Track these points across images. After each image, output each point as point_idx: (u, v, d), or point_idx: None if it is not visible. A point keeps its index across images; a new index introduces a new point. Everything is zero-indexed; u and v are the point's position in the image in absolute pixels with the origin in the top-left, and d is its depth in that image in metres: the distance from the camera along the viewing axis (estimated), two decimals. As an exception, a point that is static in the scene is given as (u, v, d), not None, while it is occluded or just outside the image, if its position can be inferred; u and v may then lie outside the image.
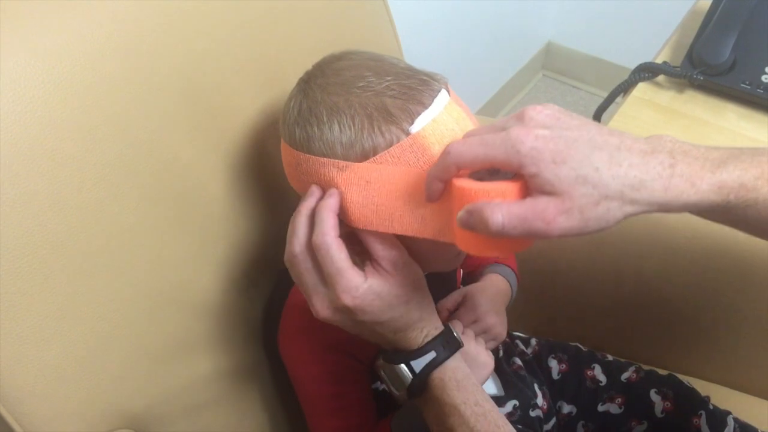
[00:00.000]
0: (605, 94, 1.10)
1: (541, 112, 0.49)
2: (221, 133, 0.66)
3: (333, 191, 0.56)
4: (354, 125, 0.55)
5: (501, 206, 0.46)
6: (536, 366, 0.86)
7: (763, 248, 0.81)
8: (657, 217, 0.85)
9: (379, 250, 0.56)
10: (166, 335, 0.65)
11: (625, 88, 1.07)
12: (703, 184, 0.47)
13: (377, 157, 0.55)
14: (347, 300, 0.54)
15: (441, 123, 0.55)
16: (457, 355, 0.59)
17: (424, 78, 0.57)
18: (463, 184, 0.49)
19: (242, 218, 0.70)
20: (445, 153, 0.50)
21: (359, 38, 0.82)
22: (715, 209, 0.48)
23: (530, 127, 0.47)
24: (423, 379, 0.58)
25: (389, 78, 0.56)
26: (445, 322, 0.61)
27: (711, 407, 0.81)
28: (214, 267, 0.69)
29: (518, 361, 0.84)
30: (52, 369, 0.55)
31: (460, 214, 0.48)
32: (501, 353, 0.83)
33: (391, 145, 0.55)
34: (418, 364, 0.58)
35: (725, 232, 0.81)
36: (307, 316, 0.62)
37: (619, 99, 1.09)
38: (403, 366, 0.58)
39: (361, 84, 0.56)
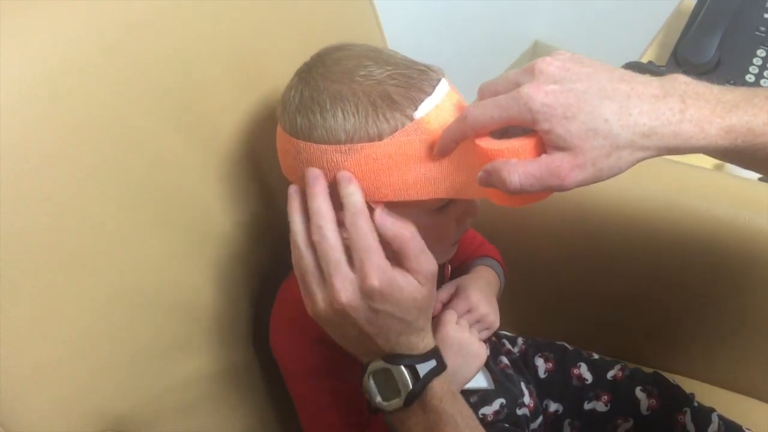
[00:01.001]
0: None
1: (551, 64, 0.49)
2: (208, 132, 0.66)
3: (346, 172, 0.56)
4: (358, 112, 0.56)
5: (517, 167, 0.48)
6: (523, 365, 0.87)
7: (748, 248, 0.82)
8: (643, 218, 0.85)
9: (424, 263, 0.55)
10: (153, 336, 0.65)
11: (611, 88, 1.07)
12: (712, 128, 0.47)
13: (382, 141, 0.56)
14: (374, 279, 0.53)
15: (443, 109, 0.57)
16: (447, 370, 0.59)
17: (422, 68, 0.59)
18: (482, 143, 0.52)
19: (230, 217, 0.70)
20: (462, 117, 0.52)
21: (345, 38, 0.81)
22: (724, 152, 0.49)
23: (540, 82, 0.48)
24: (425, 384, 0.56)
25: (389, 67, 0.57)
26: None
27: (696, 404, 0.81)
28: (202, 266, 0.69)
29: (505, 360, 0.85)
30: (37, 371, 0.55)
31: (480, 174, 0.51)
32: (488, 352, 0.83)
33: (395, 131, 0.55)
34: (423, 368, 0.56)
35: (711, 232, 0.82)
36: (300, 309, 0.63)
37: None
38: (405, 369, 0.56)
39: (362, 73, 0.57)
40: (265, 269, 0.77)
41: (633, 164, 0.49)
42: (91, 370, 0.59)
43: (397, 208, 0.58)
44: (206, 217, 0.68)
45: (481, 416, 0.77)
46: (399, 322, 0.55)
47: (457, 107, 0.59)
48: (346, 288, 0.53)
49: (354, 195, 0.55)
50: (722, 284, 0.85)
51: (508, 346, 0.88)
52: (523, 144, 0.50)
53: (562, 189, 0.48)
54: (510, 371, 0.84)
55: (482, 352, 0.69)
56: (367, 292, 0.53)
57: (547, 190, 0.49)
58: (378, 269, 0.53)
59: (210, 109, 0.66)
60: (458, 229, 0.65)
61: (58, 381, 0.57)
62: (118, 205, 0.58)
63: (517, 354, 0.88)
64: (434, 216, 0.61)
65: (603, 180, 0.49)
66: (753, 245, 0.81)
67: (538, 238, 0.93)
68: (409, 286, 0.54)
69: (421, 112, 0.56)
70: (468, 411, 0.57)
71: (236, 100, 0.68)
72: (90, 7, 0.56)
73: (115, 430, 0.61)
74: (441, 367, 0.57)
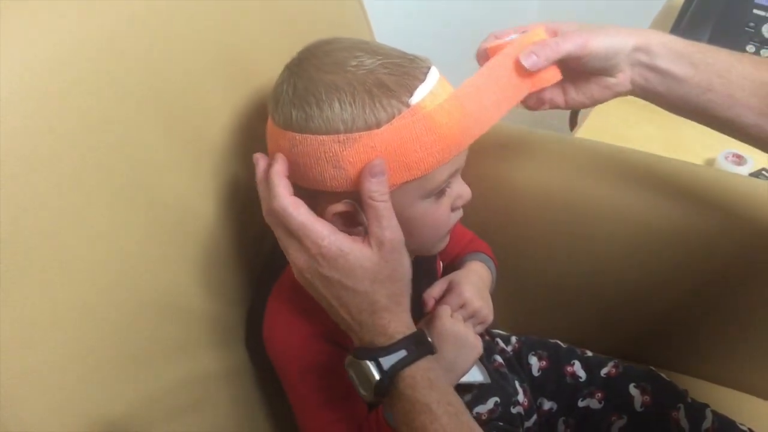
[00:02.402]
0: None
1: None
2: (194, 133, 0.66)
3: (279, 156, 0.58)
4: (355, 101, 0.56)
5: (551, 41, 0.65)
6: (516, 363, 0.87)
7: (740, 243, 0.82)
8: (634, 215, 0.85)
9: (374, 226, 0.57)
10: (144, 339, 0.64)
11: (601, 84, 1.08)
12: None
13: (380, 129, 0.56)
14: (314, 248, 0.56)
15: (437, 95, 0.58)
16: (431, 358, 0.59)
17: (411, 57, 0.60)
18: (501, 43, 0.68)
19: (219, 218, 0.69)
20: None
21: (333, 34, 0.81)
22: (684, 62, 0.65)
23: None
24: (391, 377, 0.57)
25: (380, 57, 0.58)
26: (419, 328, 0.60)
27: (689, 400, 0.81)
28: (191, 269, 0.68)
29: (499, 359, 0.85)
30: (28, 375, 0.54)
31: (525, 57, 0.63)
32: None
33: (393, 118, 0.56)
34: (387, 361, 0.57)
35: (702, 228, 0.82)
36: (294, 308, 0.63)
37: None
38: (369, 363, 0.57)
39: (354, 63, 0.57)
40: (258, 269, 0.76)
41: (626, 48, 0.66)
42: (84, 373, 0.59)
43: (396, 195, 0.58)
44: (196, 217, 0.67)
45: (475, 415, 0.77)
46: (354, 294, 0.57)
47: (449, 92, 0.60)
48: (300, 256, 0.58)
49: (275, 183, 0.57)
50: (714, 280, 0.85)
51: (502, 344, 0.88)
52: (537, 32, 0.66)
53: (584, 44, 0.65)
54: (504, 370, 0.83)
55: (478, 344, 0.69)
56: (313, 258, 0.57)
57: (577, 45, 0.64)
58: (315, 239, 0.56)
59: (197, 108, 0.65)
60: (452, 216, 0.66)
61: (51, 384, 0.56)
62: (104, 209, 0.58)
63: (511, 352, 0.88)
64: (431, 203, 0.62)
65: (599, 47, 0.65)
66: (745, 241, 0.82)
67: (530, 236, 0.93)
68: (356, 251, 0.56)
69: (416, 98, 0.57)
70: (448, 398, 0.57)
71: (224, 99, 0.68)
72: (75, 9, 0.56)
73: (108, 433, 0.61)
74: (413, 356, 0.57)
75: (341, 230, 0.59)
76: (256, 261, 0.76)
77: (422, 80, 0.58)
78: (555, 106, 0.72)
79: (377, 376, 0.56)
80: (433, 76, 0.59)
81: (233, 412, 0.77)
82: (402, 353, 0.57)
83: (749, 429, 0.79)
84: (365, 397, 0.58)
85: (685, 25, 1.01)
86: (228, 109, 0.68)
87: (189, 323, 0.69)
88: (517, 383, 0.83)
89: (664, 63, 0.65)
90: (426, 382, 0.57)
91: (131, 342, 0.63)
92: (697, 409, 0.80)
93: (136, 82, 0.59)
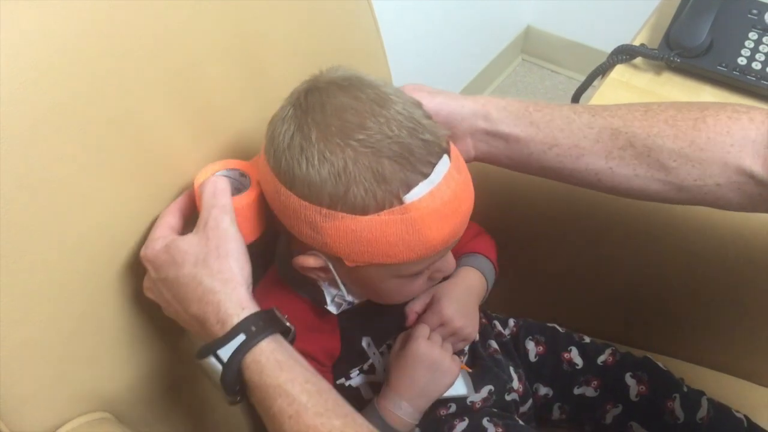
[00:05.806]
0: (584, 79, 1.10)
1: None
2: (197, 112, 0.65)
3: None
4: (347, 181, 0.53)
5: None
6: (513, 348, 0.86)
7: (740, 231, 0.81)
8: (636, 202, 0.84)
9: (201, 210, 0.57)
10: (140, 316, 0.64)
11: (603, 71, 1.07)
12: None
13: (366, 217, 0.53)
14: (142, 250, 0.57)
15: (437, 196, 0.54)
16: (278, 337, 0.54)
17: (428, 138, 0.55)
18: None
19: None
20: None
21: (338, 23, 0.80)
22: (525, 123, 0.64)
23: None
24: (234, 367, 0.51)
25: (391, 133, 0.53)
26: (271, 308, 0.56)
27: (685, 389, 0.81)
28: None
29: (494, 344, 0.84)
30: (23, 351, 0.55)
31: None
32: (477, 337, 0.82)
33: (381, 210, 0.53)
34: (226, 351, 0.51)
35: (704, 215, 0.82)
36: (281, 296, 0.65)
37: (597, 82, 1.08)
38: (210, 359, 0.52)
39: (360, 136, 0.53)
40: (255, 253, 0.76)
41: None
42: (79, 351, 0.59)
43: (368, 270, 0.57)
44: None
45: (469, 403, 0.77)
46: (180, 285, 0.55)
47: (455, 192, 0.56)
48: (145, 281, 0.60)
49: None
50: (714, 267, 0.85)
51: (499, 328, 0.87)
52: None
53: None
54: (499, 356, 0.83)
55: (454, 368, 0.69)
56: (148, 266, 0.58)
57: None
58: (147, 241, 0.58)
59: (202, 86, 0.65)
60: (429, 283, 0.65)
61: (46, 362, 0.57)
62: (104, 183, 0.58)
63: (508, 336, 0.87)
64: (406, 280, 0.61)
65: None
66: (746, 229, 0.81)
67: (531, 219, 0.92)
68: (177, 241, 0.56)
69: (412, 197, 0.53)
70: (305, 376, 0.52)
71: (228, 81, 0.67)
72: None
73: (105, 411, 0.62)
74: (255, 339, 0.52)
75: (310, 276, 0.60)
76: (257, 241, 0.76)
77: (426, 175, 0.54)
78: None
79: (220, 371, 0.52)
80: (441, 169, 0.55)
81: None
82: (240, 338, 0.52)
83: (744, 416, 0.79)
84: (228, 401, 0.54)
85: (687, 11, 1.00)
86: (232, 91, 0.68)
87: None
88: (511, 369, 0.83)
89: (506, 127, 0.63)
90: (273, 363, 0.52)
91: (127, 319, 0.63)
92: (692, 399, 0.80)
93: (142, 56, 0.59)
